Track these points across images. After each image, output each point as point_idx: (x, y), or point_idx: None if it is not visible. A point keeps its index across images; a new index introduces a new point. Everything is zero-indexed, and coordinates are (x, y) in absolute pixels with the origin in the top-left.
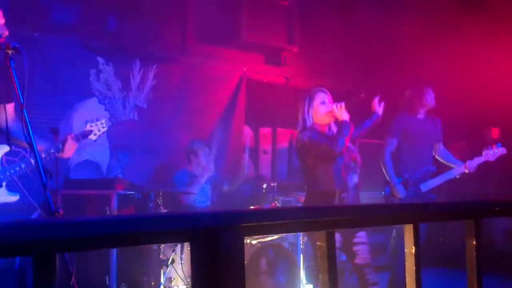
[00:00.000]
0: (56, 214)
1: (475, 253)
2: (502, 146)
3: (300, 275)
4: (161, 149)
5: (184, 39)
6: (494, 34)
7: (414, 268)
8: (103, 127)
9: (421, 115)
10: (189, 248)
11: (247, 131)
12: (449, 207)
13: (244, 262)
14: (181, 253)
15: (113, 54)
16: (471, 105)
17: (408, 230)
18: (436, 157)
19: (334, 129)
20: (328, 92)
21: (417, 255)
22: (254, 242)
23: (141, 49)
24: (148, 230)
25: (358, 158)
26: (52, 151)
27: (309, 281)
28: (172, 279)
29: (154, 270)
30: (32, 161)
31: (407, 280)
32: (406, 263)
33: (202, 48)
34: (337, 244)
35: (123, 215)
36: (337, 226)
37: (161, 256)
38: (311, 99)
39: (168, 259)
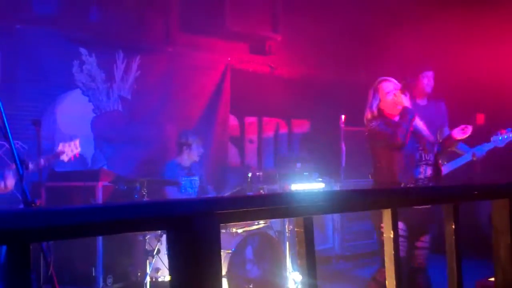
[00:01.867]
0: (33, 204)
1: (454, 237)
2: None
3: (286, 263)
4: (147, 140)
5: (168, 29)
6: (476, 22)
7: (393, 252)
8: (76, 148)
9: (422, 101)
10: None
11: (233, 120)
12: (428, 192)
13: (220, 249)
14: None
15: (96, 45)
16: (458, 91)
17: (387, 215)
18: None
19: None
20: (393, 81)
21: (396, 240)
22: (239, 231)
23: (124, 40)
24: (123, 218)
25: (430, 148)
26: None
27: (295, 269)
28: (159, 269)
29: (140, 261)
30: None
31: (386, 264)
32: (385, 248)
33: (186, 38)
34: (402, 232)
35: (98, 204)
36: (314, 212)
37: (146, 247)
38: (375, 90)
39: (154, 250)
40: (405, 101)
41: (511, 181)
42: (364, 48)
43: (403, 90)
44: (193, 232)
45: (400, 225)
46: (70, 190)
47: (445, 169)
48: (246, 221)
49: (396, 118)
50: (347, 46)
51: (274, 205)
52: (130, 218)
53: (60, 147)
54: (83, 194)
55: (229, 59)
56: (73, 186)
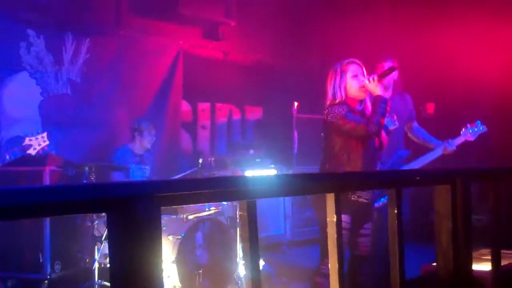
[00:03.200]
0: None
1: (396, 221)
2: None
3: (236, 249)
4: (96, 125)
5: (118, 12)
6: (428, 10)
7: (336, 236)
8: (44, 141)
9: (387, 93)
10: None
11: (185, 106)
12: (370, 177)
13: (161, 232)
14: None
15: (45, 27)
16: (407, 80)
17: (330, 199)
18: (411, 137)
19: (368, 105)
20: (361, 64)
21: (338, 224)
22: (190, 217)
23: (74, 22)
24: (62, 200)
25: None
26: None
27: None
28: (107, 255)
29: (88, 247)
30: None
31: (329, 247)
32: (329, 231)
33: (137, 21)
34: (346, 225)
35: (36, 185)
36: (257, 195)
37: (95, 233)
38: (342, 72)
39: (102, 235)
40: (379, 90)
41: (453, 168)
42: (319, 35)
43: (380, 77)
44: (133, 215)
45: (345, 217)
46: (17, 175)
47: (416, 164)
48: (188, 204)
49: (356, 104)
50: (301, 33)
51: (217, 189)
52: (69, 199)
53: (27, 141)
54: (30, 179)
55: (181, 43)
56: (19, 171)
